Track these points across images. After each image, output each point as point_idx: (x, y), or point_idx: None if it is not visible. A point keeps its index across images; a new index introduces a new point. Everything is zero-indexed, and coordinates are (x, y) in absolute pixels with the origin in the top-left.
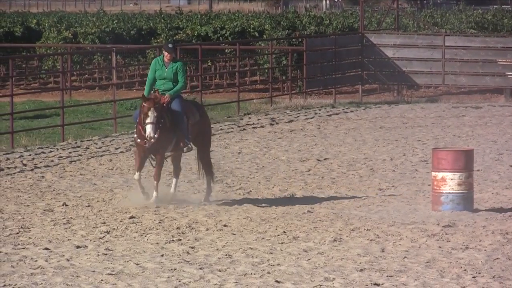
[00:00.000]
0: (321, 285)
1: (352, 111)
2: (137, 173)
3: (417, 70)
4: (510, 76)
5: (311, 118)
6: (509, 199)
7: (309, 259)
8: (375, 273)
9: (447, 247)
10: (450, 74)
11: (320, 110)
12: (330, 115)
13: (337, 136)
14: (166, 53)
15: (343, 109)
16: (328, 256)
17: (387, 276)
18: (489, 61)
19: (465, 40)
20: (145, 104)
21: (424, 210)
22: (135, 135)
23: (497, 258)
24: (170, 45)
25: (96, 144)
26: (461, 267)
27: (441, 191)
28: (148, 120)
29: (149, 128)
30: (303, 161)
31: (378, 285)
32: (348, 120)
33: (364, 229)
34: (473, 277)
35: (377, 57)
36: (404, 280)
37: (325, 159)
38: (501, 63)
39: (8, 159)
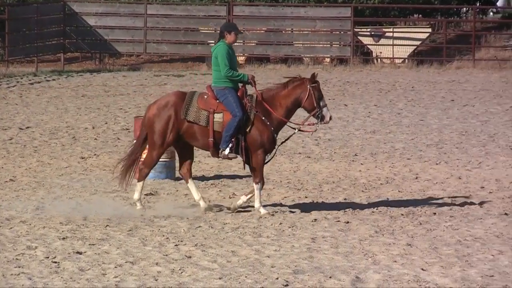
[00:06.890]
0: (23, 254)
1: (54, 80)
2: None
3: (119, 38)
4: (212, 44)
5: (13, 86)
6: (211, 167)
7: (11, 228)
8: (78, 242)
9: (149, 215)
10: (152, 43)
11: (22, 78)
12: (32, 84)
13: (39, 104)
14: (233, 37)
15: (45, 78)
16: (30, 224)
17: (90, 244)
18: (191, 29)
19: (167, 9)
20: (315, 85)
21: None
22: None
23: (199, 226)
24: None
25: None
26: (164, 235)
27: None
28: (325, 102)
29: (328, 111)
30: (5, 129)
31: (80, 253)
32: (50, 89)
33: (66, 198)
34: (176, 245)
35: (80, 26)
36: (107, 248)
37: (27, 127)
38: (203, 31)
39: None
